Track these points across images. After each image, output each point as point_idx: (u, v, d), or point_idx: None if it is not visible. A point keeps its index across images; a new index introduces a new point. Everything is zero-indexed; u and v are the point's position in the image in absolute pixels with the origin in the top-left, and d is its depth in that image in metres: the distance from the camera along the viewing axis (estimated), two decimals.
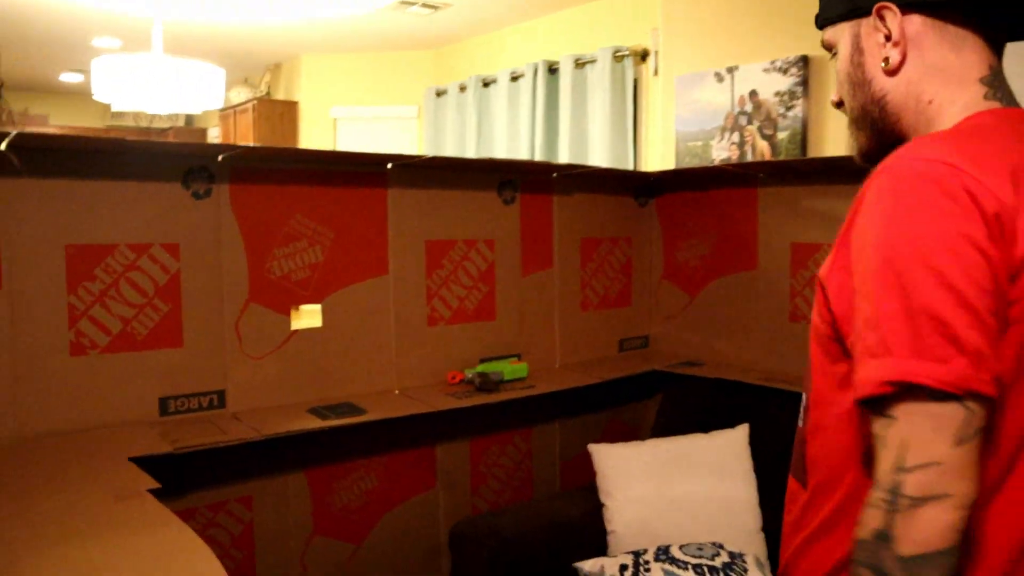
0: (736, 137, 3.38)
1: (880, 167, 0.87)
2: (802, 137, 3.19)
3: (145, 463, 1.58)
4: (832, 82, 3.08)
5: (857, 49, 0.99)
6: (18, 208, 1.68)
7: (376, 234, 2.19)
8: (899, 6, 0.95)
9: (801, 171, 2.51)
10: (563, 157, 4.56)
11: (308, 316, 2.14)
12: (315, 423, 1.90)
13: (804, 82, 3.19)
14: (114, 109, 3.94)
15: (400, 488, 2.29)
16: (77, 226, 1.75)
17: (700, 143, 3.47)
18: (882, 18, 0.96)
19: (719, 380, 2.47)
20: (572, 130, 4.52)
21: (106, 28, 5.24)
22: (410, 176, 2.24)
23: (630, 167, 4.21)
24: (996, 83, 0.95)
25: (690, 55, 3.58)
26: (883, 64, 0.97)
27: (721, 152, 3.43)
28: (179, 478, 1.85)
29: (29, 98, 7.31)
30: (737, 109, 3.40)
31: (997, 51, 0.96)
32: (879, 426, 0.82)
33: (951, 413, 0.78)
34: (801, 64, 3.20)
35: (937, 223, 0.80)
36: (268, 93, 6.55)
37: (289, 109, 6.20)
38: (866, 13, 0.97)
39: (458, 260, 2.36)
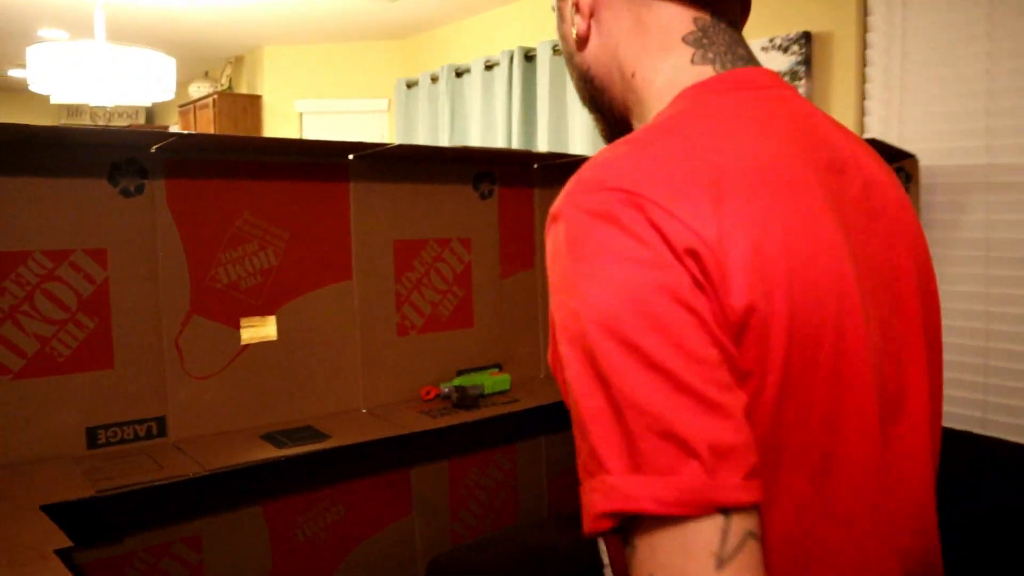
0: None
1: (552, 209, 0.66)
2: None
3: (69, 508, 1.34)
4: (839, 59, 2.86)
5: (560, 17, 0.84)
6: None
7: (337, 234, 1.95)
8: None
9: None
10: (542, 149, 4.33)
11: (260, 328, 1.89)
12: (270, 452, 1.65)
13: (807, 61, 2.95)
14: (53, 101, 3.65)
15: (370, 518, 2.05)
16: None
17: None
18: None
19: None
20: (551, 120, 4.29)
21: (53, 19, 4.93)
22: (375, 169, 2.00)
23: None
24: (708, 40, 0.75)
25: None
26: (576, 37, 0.81)
27: None
28: (114, 520, 1.60)
29: None
30: None
31: (711, 3, 0.76)
32: (627, 555, 0.61)
33: (698, 534, 0.56)
34: (803, 41, 2.95)
35: (622, 278, 0.59)
36: (230, 87, 6.26)
37: (252, 103, 5.92)
38: None
39: (430, 261, 2.12)
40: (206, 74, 6.48)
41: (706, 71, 0.74)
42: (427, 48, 5.57)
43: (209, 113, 5.93)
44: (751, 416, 0.60)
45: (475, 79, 4.80)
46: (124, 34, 5.15)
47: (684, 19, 0.75)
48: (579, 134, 4.11)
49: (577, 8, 0.80)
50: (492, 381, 2.13)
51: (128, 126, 7.69)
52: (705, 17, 0.75)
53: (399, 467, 2.10)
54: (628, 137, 0.69)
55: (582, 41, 0.81)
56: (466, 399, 2.01)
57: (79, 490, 1.40)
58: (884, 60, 2.77)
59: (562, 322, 0.62)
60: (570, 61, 0.85)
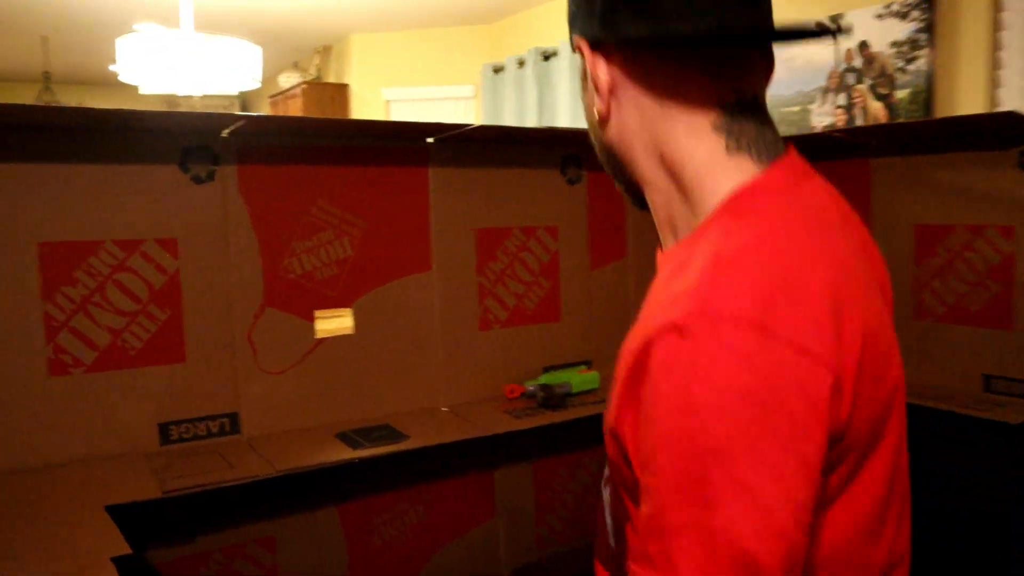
0: (842, 99, 2.89)
1: (673, 319, 0.63)
2: (927, 95, 2.67)
3: (136, 508, 1.27)
4: (967, 24, 2.58)
5: (582, 87, 0.82)
6: None
7: (416, 222, 1.85)
8: (591, 46, 0.77)
9: (926, 137, 2.07)
10: None
11: (336, 321, 1.81)
12: (345, 453, 1.56)
13: (929, 28, 2.67)
14: (142, 91, 3.69)
15: (452, 521, 1.95)
16: (52, 220, 1.44)
17: (797, 108, 3.00)
18: (582, 55, 0.79)
19: None
20: None
21: (146, 13, 5.02)
22: (456, 153, 1.88)
23: None
24: (738, 127, 0.73)
25: (784, 4, 3.05)
26: (599, 117, 0.79)
27: (823, 118, 2.94)
28: (184, 519, 1.54)
29: (82, 91, 7.21)
30: (843, 66, 2.90)
31: (736, 80, 0.74)
32: None
33: None
34: (925, 6, 2.66)
35: (761, 443, 0.59)
36: (318, 76, 6.29)
37: (339, 92, 5.92)
38: (589, 38, 0.78)
39: (515, 251, 1.99)
40: (295, 64, 6.53)
41: (746, 164, 0.73)
42: (513, 32, 5.45)
43: (298, 102, 5.96)
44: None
45: (563, 62, 4.65)
46: (214, 26, 5.21)
47: (709, 103, 0.73)
48: None
49: (596, 88, 0.77)
50: (580, 379, 1.99)
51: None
52: (731, 99, 0.73)
53: (482, 469, 1.99)
54: (737, 249, 0.66)
55: (603, 120, 0.79)
56: (552, 398, 1.88)
57: (147, 490, 1.33)
58: (1021, 23, 2.48)
59: (672, 443, 0.61)
60: (592, 132, 0.83)
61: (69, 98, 6.84)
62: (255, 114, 1.46)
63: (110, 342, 1.50)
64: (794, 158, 0.76)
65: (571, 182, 2.09)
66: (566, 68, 4.62)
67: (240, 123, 1.52)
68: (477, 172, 1.92)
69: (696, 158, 0.73)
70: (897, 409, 0.72)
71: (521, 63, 5.09)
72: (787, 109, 3.07)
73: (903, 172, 2.08)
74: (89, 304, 1.48)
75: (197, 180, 1.58)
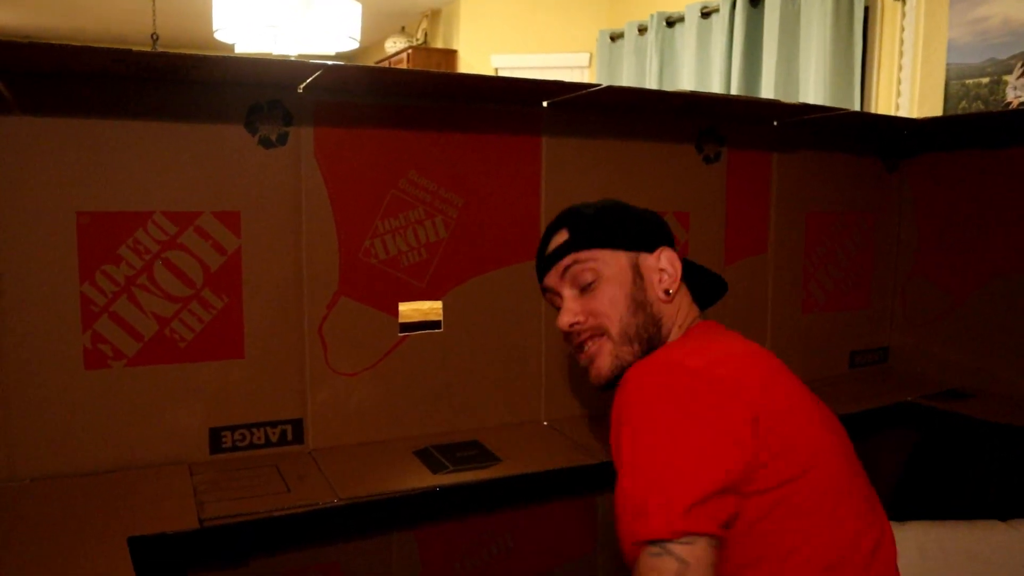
0: None
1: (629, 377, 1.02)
2: None
3: (165, 540, 1.04)
4: None
5: (638, 275, 1.13)
6: (9, 160, 1.17)
7: (525, 201, 1.55)
8: (649, 250, 1.16)
9: None
10: None
11: (424, 316, 1.54)
12: (424, 478, 1.30)
13: None
14: (237, 50, 3.52)
15: (545, 552, 1.67)
16: (93, 186, 1.22)
17: (986, 80, 2.51)
18: (659, 256, 1.16)
19: (1009, 428, 1.66)
20: (780, 73, 3.67)
21: None
22: (573, 120, 1.57)
23: None
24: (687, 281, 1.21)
25: None
26: (665, 293, 1.14)
27: (1021, 91, 2.46)
28: (228, 547, 1.30)
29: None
30: None
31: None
32: None
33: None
34: None
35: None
36: (425, 42, 6.05)
37: (447, 58, 5.66)
38: (647, 249, 1.15)
39: None
40: (403, 29, 6.31)
41: (695, 310, 1.20)
42: None
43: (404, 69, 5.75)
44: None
45: (689, 28, 4.25)
46: None
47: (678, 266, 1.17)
48: (813, 86, 3.47)
49: (672, 273, 1.15)
50: None
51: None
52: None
53: (583, 493, 1.70)
54: (684, 349, 1.07)
55: (670, 299, 1.15)
56: None
57: (182, 518, 1.10)
58: None
59: None
60: (642, 307, 1.13)
61: None
62: (335, 63, 1.19)
63: (157, 332, 1.27)
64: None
65: (708, 160, 1.75)
66: (693, 36, 4.21)
67: (318, 74, 1.25)
68: (598, 144, 1.61)
69: (683, 308, 1.19)
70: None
71: (642, 30, 4.70)
72: (972, 80, 2.59)
73: None
74: (134, 286, 1.25)
75: (266, 143, 1.32)
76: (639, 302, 1.12)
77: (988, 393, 1.85)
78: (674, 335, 1.14)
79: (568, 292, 1.15)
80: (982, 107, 2.59)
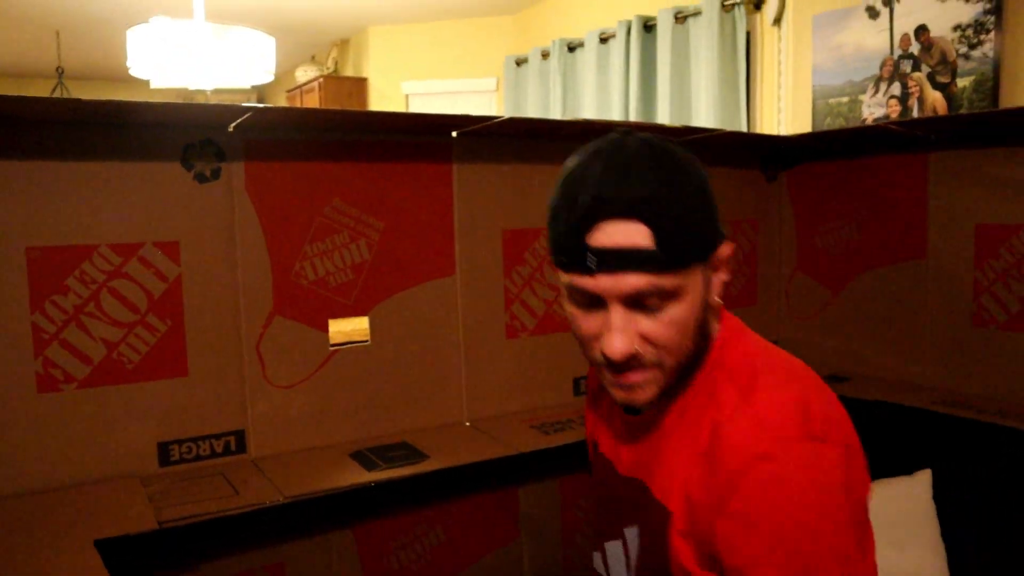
0: (896, 89, 2.70)
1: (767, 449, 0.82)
2: (993, 84, 2.47)
3: (128, 541, 1.15)
4: None
5: (707, 286, 0.90)
6: None
7: (439, 223, 1.71)
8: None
9: (991, 129, 1.91)
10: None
11: (351, 331, 1.68)
12: (360, 476, 1.44)
13: (997, 9, 2.47)
14: (153, 85, 3.58)
15: (474, 543, 1.81)
16: (41, 223, 1.32)
17: (846, 99, 2.80)
18: (726, 252, 0.92)
19: (880, 403, 1.90)
20: (672, 95, 3.94)
21: (164, 7, 4.92)
22: (482, 147, 1.74)
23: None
24: None
25: None
26: (715, 304, 0.93)
27: (876, 109, 2.75)
28: (184, 549, 1.41)
29: (97, 87, 7.12)
30: (898, 52, 2.71)
31: None
32: None
33: None
34: None
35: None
36: (336, 70, 6.16)
37: (358, 86, 5.79)
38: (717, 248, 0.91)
39: (544, 254, 1.85)
40: (313, 58, 6.41)
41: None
42: (537, 23, 5.29)
43: (315, 97, 5.84)
44: None
45: (589, 53, 4.50)
46: (228, 19, 5.09)
47: None
48: (704, 106, 3.75)
49: (725, 284, 0.92)
50: None
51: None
52: None
53: (506, 486, 1.86)
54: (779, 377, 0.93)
55: (720, 310, 0.96)
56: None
57: (141, 521, 1.21)
58: None
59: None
60: (700, 329, 0.90)
61: (83, 94, 6.76)
62: (263, 105, 1.33)
63: (105, 355, 1.38)
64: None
65: None
66: (592, 60, 4.46)
67: (247, 115, 1.38)
68: (505, 168, 1.78)
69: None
70: None
71: (545, 54, 4.94)
72: (835, 100, 2.89)
73: (963, 168, 1.92)
74: (82, 314, 1.36)
75: (201, 178, 1.45)
76: (701, 322, 0.90)
77: (862, 376, 2.10)
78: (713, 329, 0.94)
79: (618, 306, 0.86)
80: (843, 123, 2.89)
